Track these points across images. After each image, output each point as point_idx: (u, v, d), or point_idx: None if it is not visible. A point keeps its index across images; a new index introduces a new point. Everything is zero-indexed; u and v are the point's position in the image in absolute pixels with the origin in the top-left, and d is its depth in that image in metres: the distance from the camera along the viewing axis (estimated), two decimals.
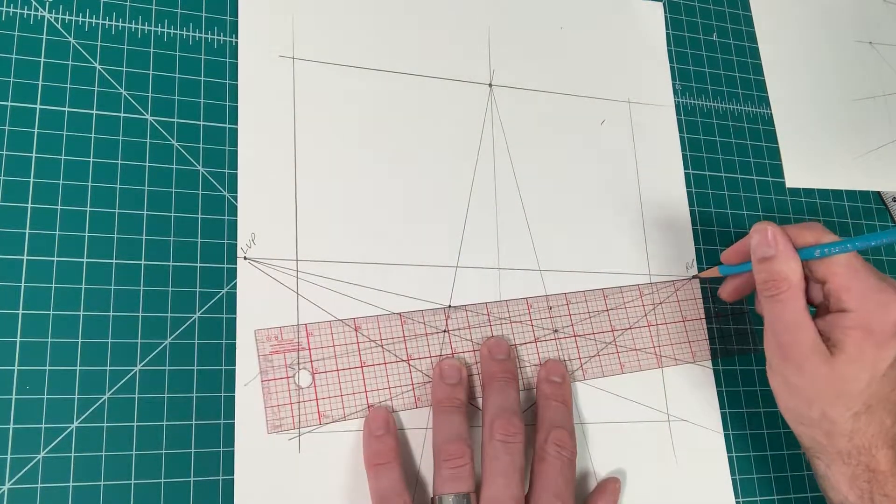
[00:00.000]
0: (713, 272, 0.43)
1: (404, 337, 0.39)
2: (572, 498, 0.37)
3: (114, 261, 0.36)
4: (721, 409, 0.44)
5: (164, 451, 0.35)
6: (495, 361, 0.39)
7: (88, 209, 0.36)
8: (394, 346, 0.39)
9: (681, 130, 0.49)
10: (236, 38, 0.41)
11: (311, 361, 0.37)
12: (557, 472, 0.36)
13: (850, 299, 0.35)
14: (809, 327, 0.36)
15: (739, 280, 0.42)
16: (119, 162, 0.38)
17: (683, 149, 0.49)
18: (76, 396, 0.34)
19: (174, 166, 0.38)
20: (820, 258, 0.36)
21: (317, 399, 0.37)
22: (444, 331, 0.40)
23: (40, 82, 0.37)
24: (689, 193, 0.48)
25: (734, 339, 0.46)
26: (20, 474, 0.33)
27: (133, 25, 0.40)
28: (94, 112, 0.38)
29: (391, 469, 0.36)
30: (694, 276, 0.45)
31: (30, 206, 0.36)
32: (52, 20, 0.38)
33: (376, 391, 0.38)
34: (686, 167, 0.48)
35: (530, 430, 0.39)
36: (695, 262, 0.46)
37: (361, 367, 0.38)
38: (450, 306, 0.40)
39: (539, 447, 0.38)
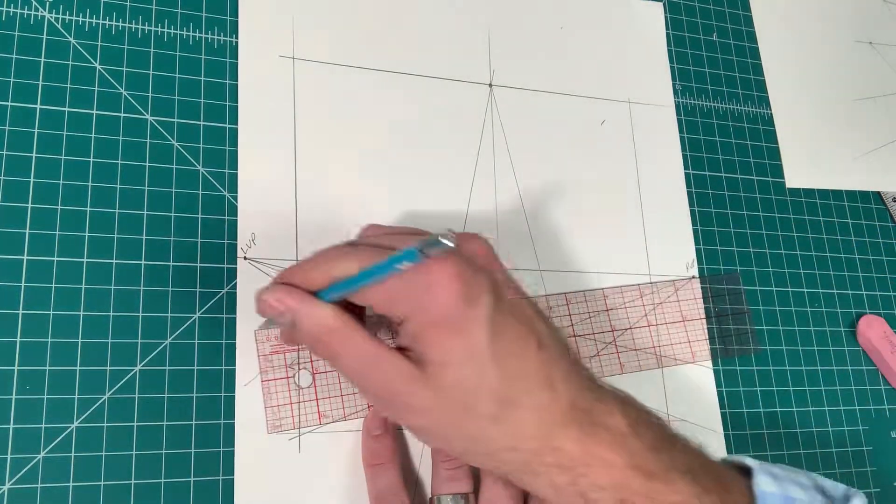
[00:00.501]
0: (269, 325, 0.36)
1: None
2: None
3: (114, 261, 0.36)
4: (721, 409, 0.44)
5: (164, 451, 0.35)
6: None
7: (88, 209, 0.36)
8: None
9: (681, 130, 0.49)
10: (236, 38, 0.41)
11: (311, 361, 0.37)
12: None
13: (392, 307, 0.30)
14: (386, 353, 0.30)
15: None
16: (119, 162, 0.38)
17: (683, 149, 0.49)
18: (76, 396, 0.34)
19: (174, 166, 0.38)
20: (354, 291, 0.30)
21: (317, 399, 0.37)
22: None
23: (40, 82, 0.37)
24: (689, 193, 0.48)
25: (734, 339, 0.46)
26: (20, 474, 0.33)
27: (133, 25, 0.40)
28: (94, 112, 0.38)
29: (388, 469, 0.35)
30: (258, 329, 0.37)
31: (30, 206, 0.36)
32: (52, 20, 0.38)
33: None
34: (686, 167, 0.48)
35: None
36: (695, 262, 0.46)
37: None
38: None
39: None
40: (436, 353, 0.30)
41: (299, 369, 0.37)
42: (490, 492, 0.35)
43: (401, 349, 0.31)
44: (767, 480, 0.33)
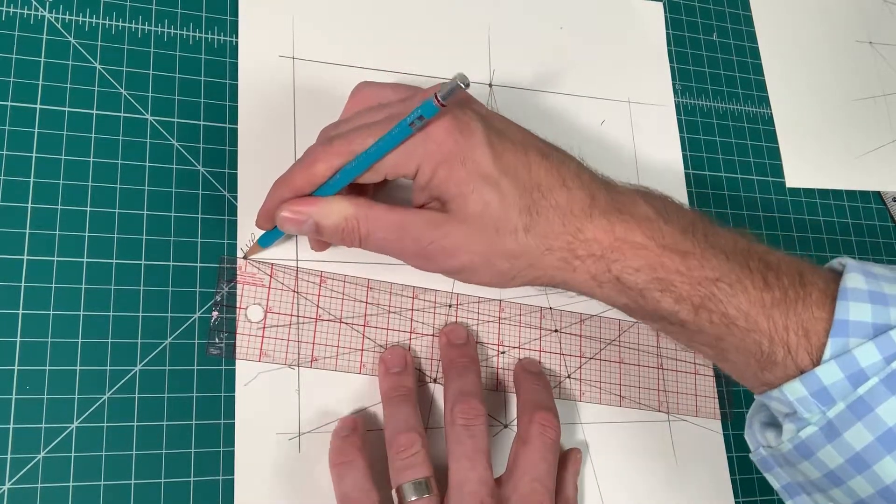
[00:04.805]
0: (257, 249, 0.38)
1: (366, 303, 0.39)
2: (553, 482, 0.36)
3: (114, 261, 0.36)
4: (721, 409, 0.44)
5: (164, 451, 0.35)
6: (454, 347, 0.39)
7: (88, 209, 0.36)
8: (353, 307, 0.39)
9: (681, 130, 0.49)
10: (236, 38, 0.41)
11: (269, 300, 0.37)
12: (539, 456, 0.36)
13: (399, 169, 0.32)
14: (409, 212, 0.33)
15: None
16: (119, 162, 0.38)
17: (683, 149, 0.49)
18: (76, 396, 0.34)
19: (174, 166, 0.38)
20: (365, 170, 0.32)
21: (263, 337, 0.37)
22: (410, 309, 0.40)
23: (40, 82, 0.37)
24: (689, 193, 0.48)
25: None
26: (20, 474, 0.33)
27: (133, 25, 0.40)
28: (94, 112, 0.38)
29: (355, 468, 0.34)
30: (244, 258, 0.38)
31: (30, 206, 0.36)
32: (53, 20, 0.38)
33: (324, 346, 0.38)
34: (686, 167, 0.48)
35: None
36: None
37: (316, 319, 0.38)
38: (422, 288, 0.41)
39: (522, 429, 0.37)
40: (452, 190, 0.32)
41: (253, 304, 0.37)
42: (458, 476, 0.34)
43: (419, 207, 0.34)
44: (857, 277, 0.30)
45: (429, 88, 0.32)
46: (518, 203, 0.32)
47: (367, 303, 0.39)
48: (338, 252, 0.39)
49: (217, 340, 0.36)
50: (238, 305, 0.37)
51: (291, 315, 0.38)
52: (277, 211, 0.33)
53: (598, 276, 0.33)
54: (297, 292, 0.38)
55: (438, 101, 0.30)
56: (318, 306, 0.38)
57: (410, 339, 0.40)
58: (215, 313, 0.37)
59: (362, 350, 0.39)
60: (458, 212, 0.32)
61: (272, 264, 0.38)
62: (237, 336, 0.37)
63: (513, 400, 0.40)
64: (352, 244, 0.34)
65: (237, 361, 0.36)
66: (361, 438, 0.36)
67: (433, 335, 0.40)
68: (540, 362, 0.41)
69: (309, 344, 0.38)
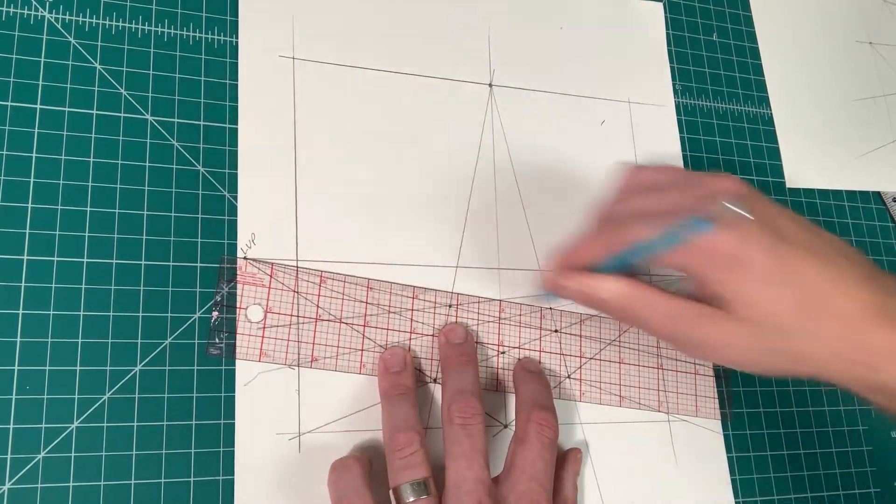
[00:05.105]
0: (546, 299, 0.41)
1: (366, 303, 0.39)
2: (551, 481, 0.36)
3: (114, 261, 0.36)
4: (721, 408, 0.44)
5: (164, 451, 0.35)
6: (452, 346, 0.39)
7: (88, 209, 0.36)
8: (353, 308, 0.39)
9: (681, 130, 0.49)
10: (236, 38, 0.41)
11: (269, 300, 0.38)
12: (537, 455, 0.36)
13: (675, 263, 0.33)
14: (683, 302, 0.34)
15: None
16: (119, 162, 0.38)
17: (683, 149, 0.49)
18: (76, 396, 0.34)
19: (174, 166, 0.38)
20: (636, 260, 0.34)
21: (263, 337, 0.37)
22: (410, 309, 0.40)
23: (40, 82, 0.37)
24: None
25: None
26: (20, 474, 0.33)
27: (133, 25, 0.40)
28: (94, 112, 0.38)
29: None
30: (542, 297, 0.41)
31: (30, 206, 0.36)
32: (52, 20, 0.38)
33: (324, 346, 0.38)
34: (686, 167, 0.48)
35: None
36: None
37: (316, 319, 0.38)
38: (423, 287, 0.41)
39: (520, 427, 0.37)
40: (728, 292, 0.32)
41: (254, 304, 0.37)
42: (455, 476, 0.34)
43: (690, 296, 0.34)
44: None
45: (707, 185, 0.33)
46: (796, 308, 0.32)
47: (367, 303, 0.39)
48: (338, 252, 0.39)
49: (217, 340, 0.37)
50: (238, 305, 0.37)
51: (291, 315, 0.38)
52: (562, 280, 0.35)
53: (862, 378, 0.33)
54: (297, 292, 0.38)
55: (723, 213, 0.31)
56: (318, 306, 0.38)
57: (410, 339, 0.40)
58: (215, 313, 0.37)
59: (362, 350, 0.39)
60: (733, 312, 0.33)
61: (272, 264, 0.38)
62: (237, 336, 0.37)
63: (512, 400, 0.40)
64: (625, 322, 0.37)
65: (237, 361, 0.37)
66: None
67: (433, 335, 0.40)
68: (539, 362, 0.41)
69: (309, 344, 0.38)
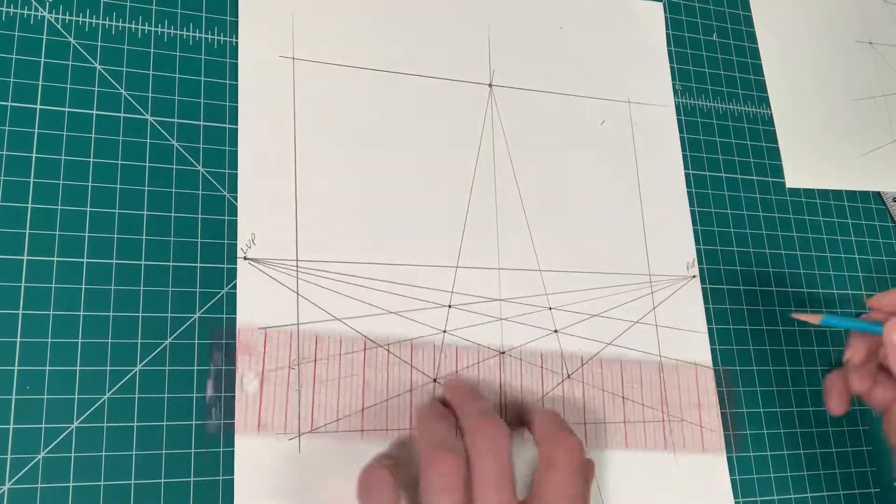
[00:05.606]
0: (813, 318, 0.40)
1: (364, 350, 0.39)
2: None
3: (114, 261, 0.36)
4: (721, 409, 0.44)
5: (164, 452, 0.35)
6: (459, 386, 0.38)
7: (88, 209, 0.36)
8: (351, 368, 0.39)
9: (681, 130, 0.49)
10: (236, 38, 0.41)
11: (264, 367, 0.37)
12: (567, 480, 0.34)
13: None
14: None
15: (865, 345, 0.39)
16: (119, 162, 0.38)
17: (683, 149, 0.49)
18: (76, 396, 0.34)
19: (174, 166, 0.38)
20: None
21: (260, 406, 0.37)
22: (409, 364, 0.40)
23: (40, 82, 0.37)
24: (689, 193, 0.48)
25: (734, 340, 0.46)
26: (20, 474, 0.33)
27: (133, 25, 0.40)
28: (94, 112, 0.38)
29: (383, 492, 0.33)
30: (792, 315, 0.42)
31: (30, 206, 0.36)
32: (52, 20, 0.38)
33: (323, 406, 0.38)
34: (686, 167, 0.48)
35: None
36: (695, 262, 0.46)
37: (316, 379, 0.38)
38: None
39: (545, 452, 0.35)
40: None
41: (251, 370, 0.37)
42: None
43: None
44: None
45: None
46: None
47: (364, 350, 0.39)
48: (338, 252, 0.39)
49: (213, 419, 0.36)
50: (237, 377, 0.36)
51: (289, 379, 0.37)
52: None
53: None
54: (296, 362, 0.37)
55: None
56: (314, 374, 0.38)
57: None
58: (210, 391, 0.36)
59: (363, 409, 0.39)
60: None
61: (266, 330, 0.37)
62: (235, 407, 0.36)
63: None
64: None
65: (237, 360, 0.37)
66: (390, 467, 0.34)
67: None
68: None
69: (308, 406, 0.38)
